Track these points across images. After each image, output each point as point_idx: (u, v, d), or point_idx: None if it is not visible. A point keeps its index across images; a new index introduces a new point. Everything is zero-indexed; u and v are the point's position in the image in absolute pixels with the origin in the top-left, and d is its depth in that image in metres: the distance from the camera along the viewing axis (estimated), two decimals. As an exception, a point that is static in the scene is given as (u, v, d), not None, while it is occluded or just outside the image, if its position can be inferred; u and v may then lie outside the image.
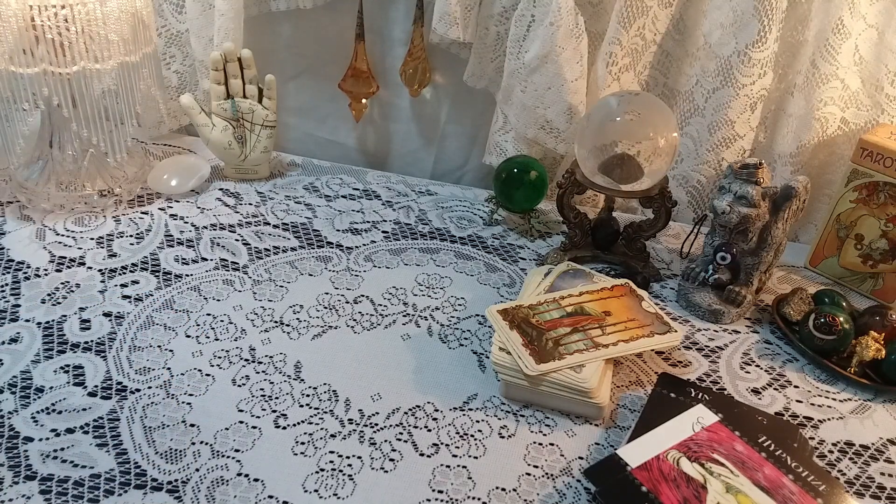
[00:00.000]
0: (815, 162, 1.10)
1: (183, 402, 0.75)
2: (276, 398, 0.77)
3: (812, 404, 0.83)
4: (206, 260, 0.96)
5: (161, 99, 1.10)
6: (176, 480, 0.68)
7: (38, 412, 0.73)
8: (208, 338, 0.84)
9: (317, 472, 0.70)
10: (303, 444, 0.72)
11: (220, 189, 1.11)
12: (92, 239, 0.97)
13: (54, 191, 1.00)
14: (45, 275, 0.90)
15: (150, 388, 0.77)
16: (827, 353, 0.87)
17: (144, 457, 0.69)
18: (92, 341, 0.82)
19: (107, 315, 0.85)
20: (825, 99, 1.03)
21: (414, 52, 1.12)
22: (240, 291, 0.91)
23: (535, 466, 0.72)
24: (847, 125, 1.06)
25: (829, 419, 0.81)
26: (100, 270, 0.92)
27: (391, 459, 0.72)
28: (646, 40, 1.05)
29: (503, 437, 0.75)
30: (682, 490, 0.66)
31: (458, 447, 0.74)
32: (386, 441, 0.73)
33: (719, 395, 0.82)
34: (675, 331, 0.83)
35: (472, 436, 0.75)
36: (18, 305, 0.85)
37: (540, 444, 0.75)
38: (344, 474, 0.70)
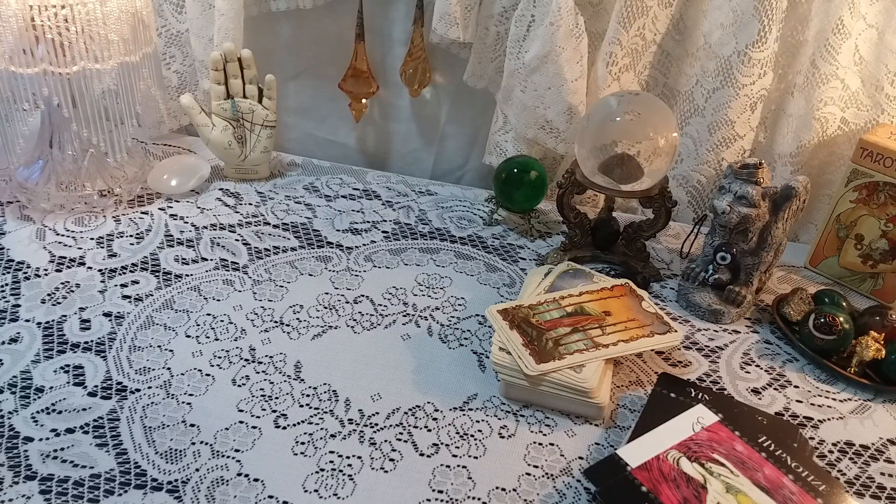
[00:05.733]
0: (815, 162, 1.10)
1: (183, 402, 0.75)
2: (276, 398, 0.77)
3: (812, 404, 0.83)
4: (206, 260, 0.96)
5: (161, 99, 1.10)
6: (176, 480, 0.68)
7: (38, 412, 0.73)
8: (208, 338, 0.84)
9: (317, 472, 0.70)
10: (303, 444, 0.72)
11: (220, 189, 1.11)
12: (92, 239, 0.97)
13: (54, 191, 1.00)
14: (45, 275, 0.90)
15: (150, 388, 0.77)
16: (827, 353, 0.87)
17: (144, 457, 0.69)
18: (92, 341, 0.82)
19: (107, 315, 0.85)
20: (825, 99, 1.03)
21: (414, 52, 1.12)
22: (240, 291, 0.91)
23: (535, 466, 0.72)
24: (847, 125, 1.06)
25: (829, 419, 0.81)
26: (100, 270, 0.92)
27: (391, 459, 0.72)
28: (646, 40, 1.05)
29: (503, 437, 0.75)
30: (682, 490, 0.66)
31: (458, 447, 0.74)
32: (386, 441, 0.73)
33: (719, 395, 0.82)
34: (675, 331, 0.83)
35: (472, 436, 0.75)
36: (18, 305, 0.85)
37: (540, 444, 0.75)
38: (344, 474, 0.70)
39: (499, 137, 1.14)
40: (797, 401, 0.83)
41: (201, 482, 0.68)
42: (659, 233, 1.01)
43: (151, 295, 0.89)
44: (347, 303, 0.91)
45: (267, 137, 1.11)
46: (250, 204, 1.08)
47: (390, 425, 0.75)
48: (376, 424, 0.75)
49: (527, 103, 1.07)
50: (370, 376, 0.81)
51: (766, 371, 0.87)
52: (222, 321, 0.86)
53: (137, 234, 0.99)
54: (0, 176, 1.02)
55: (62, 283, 0.89)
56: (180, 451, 0.70)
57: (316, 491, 0.68)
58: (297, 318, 0.88)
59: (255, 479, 0.69)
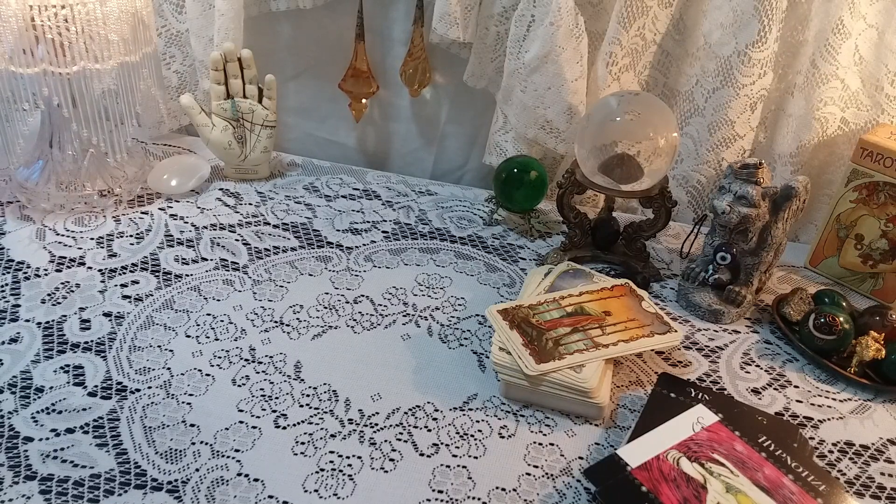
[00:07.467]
0: (815, 162, 1.10)
1: (183, 402, 0.75)
2: (276, 398, 0.77)
3: (812, 404, 0.83)
4: (206, 260, 0.96)
5: (161, 99, 1.10)
6: (176, 480, 0.68)
7: (38, 412, 0.73)
8: (208, 338, 0.84)
9: (317, 472, 0.70)
10: (303, 444, 0.72)
11: (220, 189, 1.11)
12: (92, 239, 0.97)
13: (54, 191, 1.00)
14: (45, 275, 0.90)
15: (150, 388, 0.77)
16: (827, 353, 0.87)
17: (144, 457, 0.69)
18: (92, 341, 0.82)
19: (107, 315, 0.85)
20: (825, 99, 1.03)
21: (414, 52, 1.12)
22: (240, 291, 0.91)
23: (535, 466, 0.72)
24: (847, 125, 1.06)
25: (829, 419, 0.81)
26: (100, 270, 0.92)
27: (391, 459, 0.72)
28: (646, 40, 1.05)
29: (503, 437, 0.75)
30: (682, 490, 0.66)
31: (458, 447, 0.74)
32: (386, 441, 0.73)
33: (719, 395, 0.82)
34: (675, 331, 0.83)
35: (472, 436, 0.75)
36: (18, 305, 0.85)
37: (540, 444, 0.75)
38: (344, 474, 0.70)
39: (499, 137, 1.14)
40: (797, 401, 0.83)
41: (201, 482, 0.68)
42: (659, 233, 1.01)
43: (151, 295, 0.89)
44: (347, 303, 0.91)
45: (267, 137, 1.11)
46: (250, 204, 1.08)
47: (390, 425, 0.75)
48: (376, 424, 0.75)
49: (527, 103, 1.07)
50: (370, 376, 0.81)
51: (766, 371, 0.87)
52: (222, 321, 0.86)
53: (137, 234, 0.99)
54: (0, 176, 1.02)
55: (62, 283, 0.89)
56: (180, 451, 0.70)
57: (316, 491, 0.68)
58: (297, 318, 0.88)
59: (255, 479, 0.69)
